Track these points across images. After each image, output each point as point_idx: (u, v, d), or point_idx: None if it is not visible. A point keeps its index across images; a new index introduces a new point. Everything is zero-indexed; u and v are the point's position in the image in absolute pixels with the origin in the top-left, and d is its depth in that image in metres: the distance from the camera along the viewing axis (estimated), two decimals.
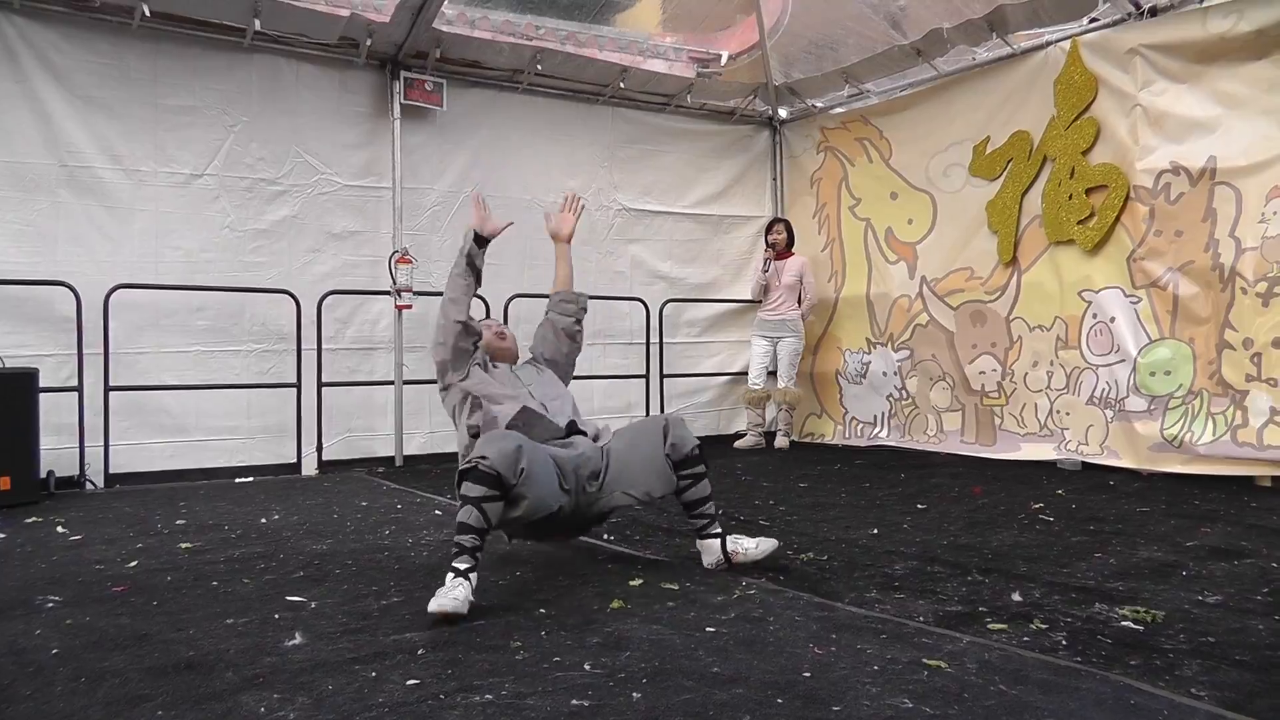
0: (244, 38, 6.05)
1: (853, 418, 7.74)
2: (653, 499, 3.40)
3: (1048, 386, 6.23)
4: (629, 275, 7.73)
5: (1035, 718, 1.95)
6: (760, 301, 7.71)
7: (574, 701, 2.06)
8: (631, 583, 3.15)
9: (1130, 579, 3.15)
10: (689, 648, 2.43)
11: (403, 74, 6.54)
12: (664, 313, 7.77)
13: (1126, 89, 5.72)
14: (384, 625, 2.68)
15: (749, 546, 3.35)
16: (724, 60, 8.18)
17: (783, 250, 7.63)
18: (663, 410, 7.70)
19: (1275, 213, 5.03)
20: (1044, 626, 2.63)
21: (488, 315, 6.75)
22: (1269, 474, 5.00)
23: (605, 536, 3.97)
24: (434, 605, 2.69)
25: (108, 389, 5.61)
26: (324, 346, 6.29)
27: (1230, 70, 5.28)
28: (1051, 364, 6.21)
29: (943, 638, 2.51)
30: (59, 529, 4.27)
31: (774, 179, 8.45)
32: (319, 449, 6.29)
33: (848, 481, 5.65)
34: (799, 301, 7.62)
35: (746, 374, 7.84)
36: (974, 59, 6.74)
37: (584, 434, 3.51)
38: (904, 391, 7.29)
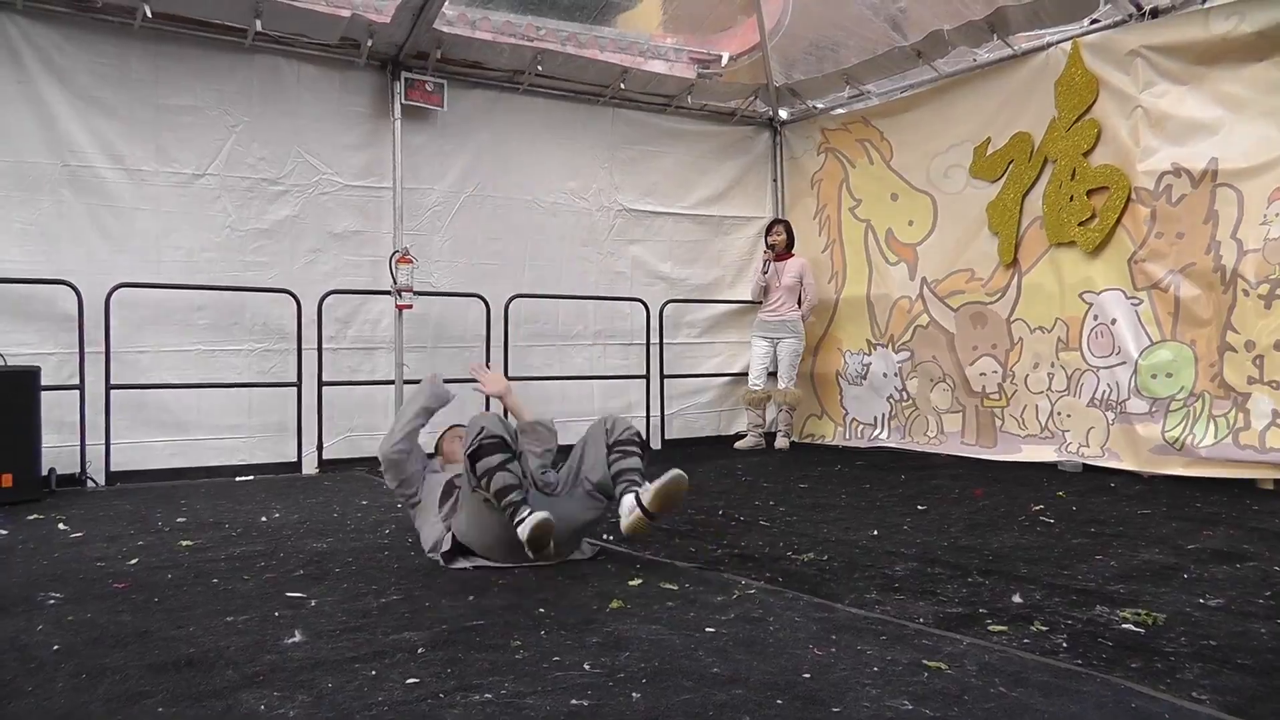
0: (245, 38, 6.06)
1: (853, 419, 7.74)
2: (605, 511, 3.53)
3: (1048, 388, 6.23)
4: (629, 276, 7.73)
5: None
6: (760, 303, 7.71)
7: (573, 701, 2.06)
8: (631, 583, 3.14)
9: (1131, 581, 3.15)
10: (689, 648, 2.43)
11: (403, 75, 6.55)
12: (664, 313, 7.77)
13: (1128, 90, 5.72)
14: (384, 624, 2.67)
15: (651, 485, 3.29)
16: (725, 61, 8.19)
17: (782, 251, 7.63)
18: (662, 411, 7.71)
19: (1277, 214, 5.03)
20: (1044, 629, 2.63)
21: (487, 330, 6.79)
22: (1271, 477, 4.99)
23: (605, 537, 3.97)
24: (525, 529, 3.07)
25: (109, 387, 5.61)
26: (325, 346, 6.30)
27: (1232, 72, 5.27)
28: (1052, 366, 6.21)
29: (943, 639, 2.50)
30: (60, 526, 4.27)
31: (774, 180, 8.45)
32: (319, 448, 6.29)
33: (848, 483, 5.64)
34: (799, 302, 7.63)
35: (747, 375, 7.84)
36: (975, 60, 6.74)
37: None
38: (904, 393, 7.29)
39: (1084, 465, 5.87)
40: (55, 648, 2.48)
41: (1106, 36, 5.88)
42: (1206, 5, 5.34)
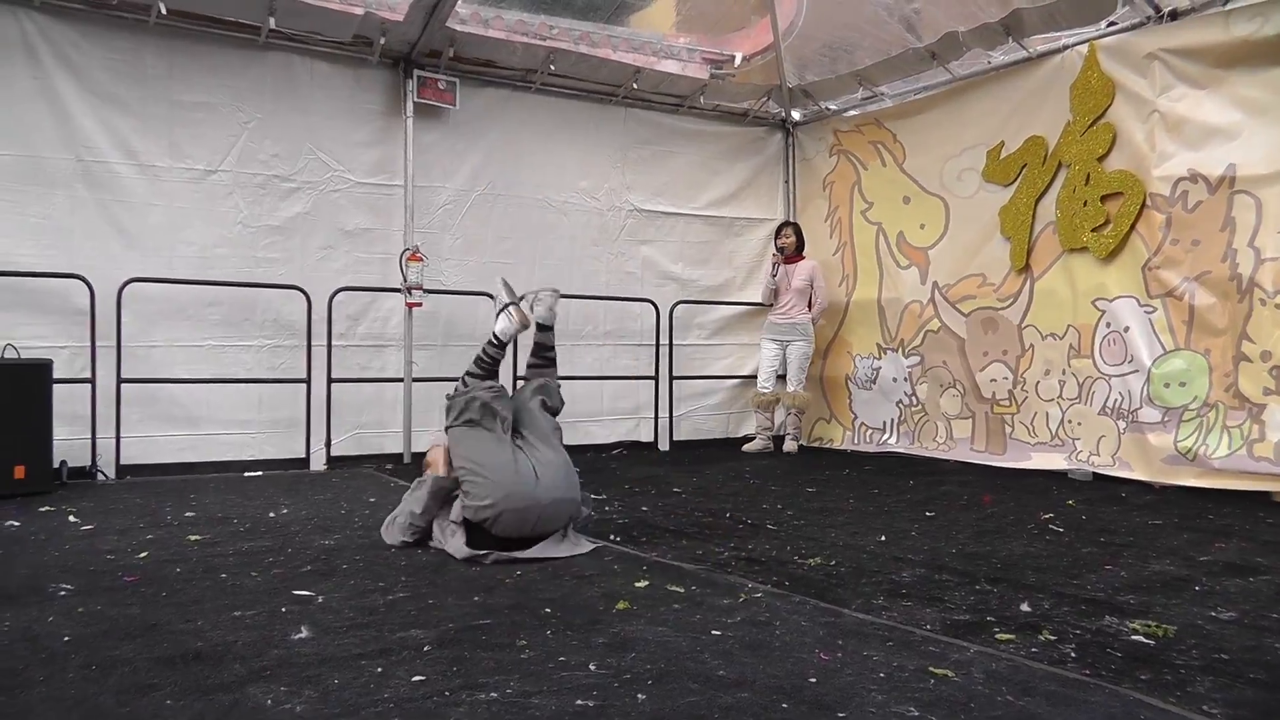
0: (259, 36, 6.07)
1: (862, 423, 7.72)
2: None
3: (1059, 395, 6.20)
4: (640, 276, 7.73)
5: None
6: (770, 305, 7.70)
7: (579, 702, 2.06)
8: (637, 584, 3.14)
9: (1142, 592, 3.13)
10: (694, 650, 2.42)
11: (416, 73, 6.55)
12: (674, 315, 7.76)
13: (1144, 94, 5.68)
14: (390, 621, 2.68)
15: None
16: (738, 62, 8.17)
17: (793, 254, 7.62)
18: (671, 413, 7.71)
19: None
20: (1053, 638, 2.62)
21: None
22: None
23: (611, 538, 3.97)
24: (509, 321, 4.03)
25: (120, 381, 5.63)
26: (334, 343, 6.31)
27: (1252, 75, 5.21)
28: (1064, 373, 6.18)
29: (950, 646, 2.49)
30: (71, 519, 4.29)
31: (786, 181, 8.44)
32: (328, 444, 6.30)
33: (856, 487, 5.63)
34: (809, 305, 7.61)
35: (756, 377, 7.83)
36: (989, 62, 6.71)
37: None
38: (914, 398, 7.27)
39: (1094, 474, 5.84)
40: (66, 638, 2.49)
41: (1124, 39, 5.84)
42: (1227, 7, 5.28)
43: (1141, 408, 5.63)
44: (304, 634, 2.55)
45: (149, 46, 5.86)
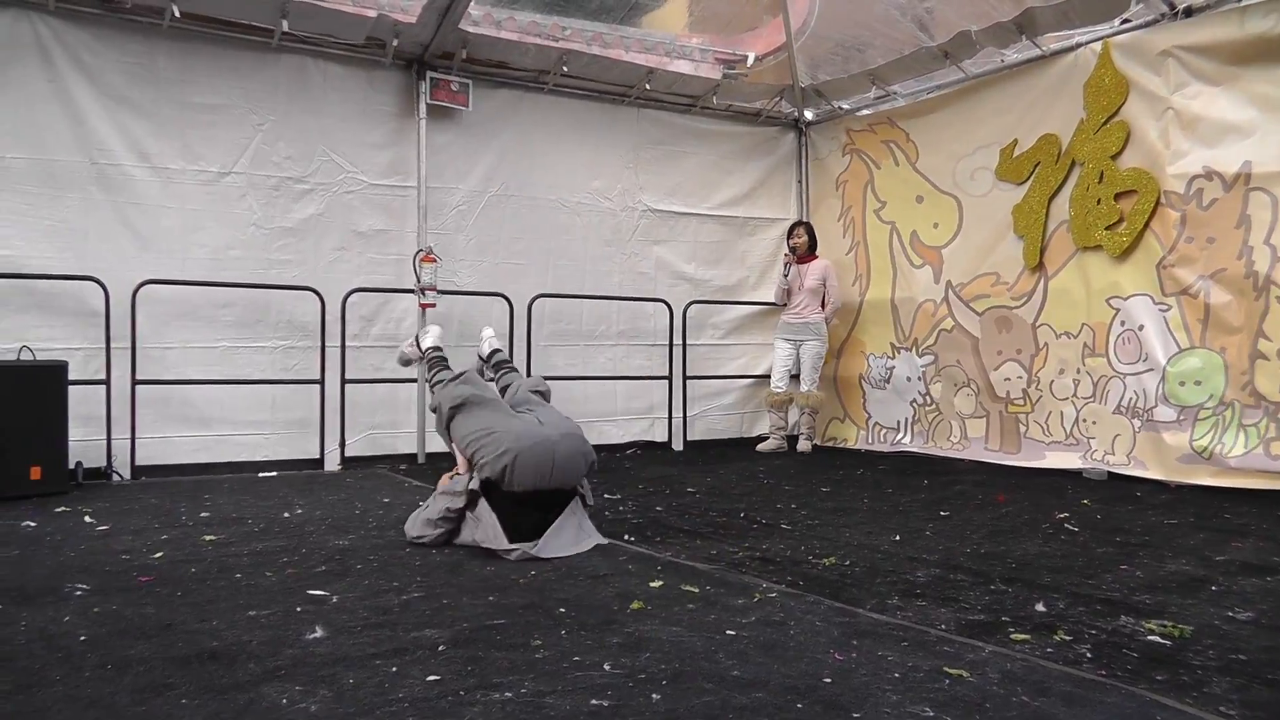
0: (272, 38, 6.09)
1: (876, 422, 7.71)
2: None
3: (1074, 394, 6.18)
4: (653, 276, 7.73)
5: None
6: (783, 305, 7.69)
7: (593, 701, 2.06)
8: (652, 584, 3.14)
9: (1157, 592, 3.11)
10: (709, 650, 2.42)
11: (429, 74, 6.57)
12: (688, 315, 7.76)
13: (1159, 92, 5.65)
14: (405, 621, 2.68)
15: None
16: (750, 61, 8.16)
17: (805, 253, 7.61)
18: (684, 413, 7.71)
19: None
20: (1068, 638, 2.60)
21: (510, 330, 6.81)
22: None
23: (625, 537, 3.97)
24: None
25: (135, 382, 5.67)
26: (348, 344, 6.33)
27: (1268, 72, 5.18)
28: (1078, 372, 6.16)
29: (965, 646, 2.48)
30: (87, 519, 4.32)
31: (799, 181, 8.43)
32: (342, 445, 6.32)
33: (870, 487, 5.62)
34: (822, 305, 7.60)
35: (769, 377, 7.82)
36: (1002, 61, 6.69)
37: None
38: (928, 397, 7.25)
39: (1109, 473, 5.81)
40: (82, 638, 2.51)
41: (1138, 37, 5.81)
42: (1243, 3, 5.24)
43: (1157, 406, 5.60)
44: (318, 634, 2.56)
45: (162, 49, 5.89)
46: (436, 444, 6.68)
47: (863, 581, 3.27)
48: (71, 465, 5.27)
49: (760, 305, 8.16)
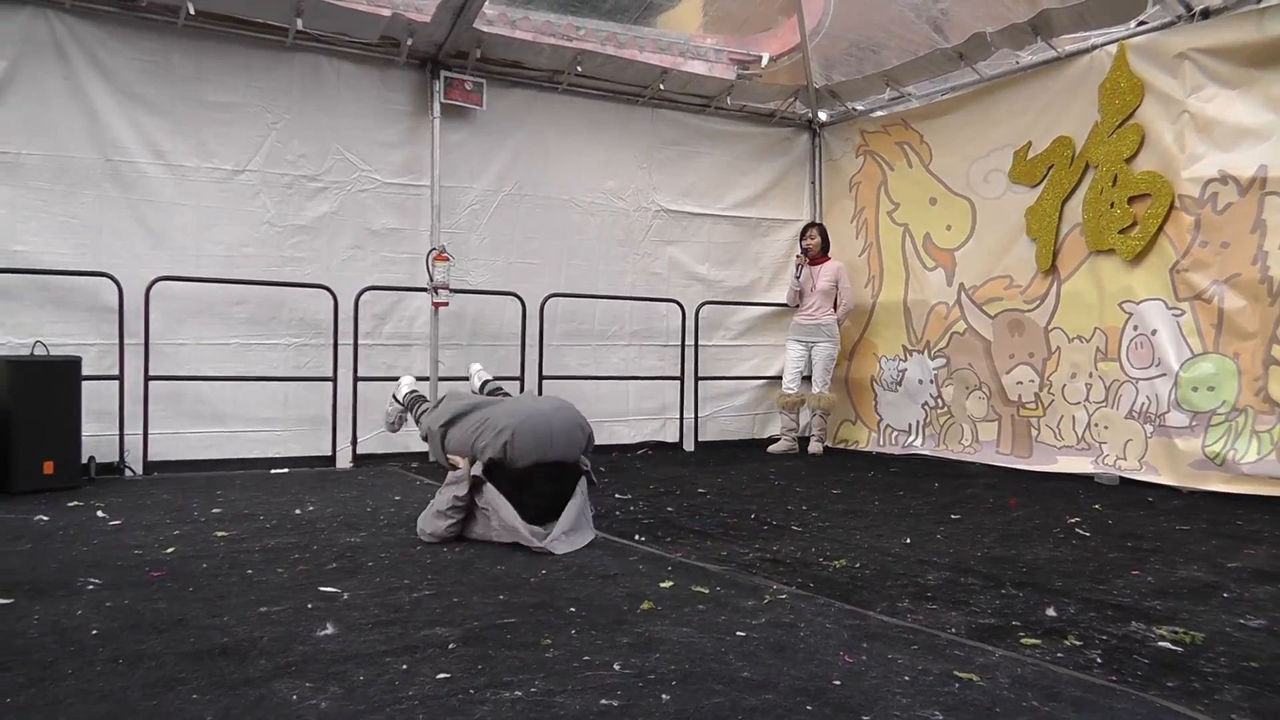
0: (286, 37, 6.11)
1: (887, 425, 7.69)
2: None
3: (1086, 399, 6.15)
4: (666, 277, 7.73)
5: None
6: (796, 306, 7.69)
7: (603, 701, 2.06)
8: (662, 584, 3.14)
9: (1169, 598, 3.10)
10: (719, 651, 2.42)
11: (443, 73, 6.58)
12: (700, 315, 7.76)
13: (1174, 94, 5.62)
14: (415, 619, 2.69)
15: None
16: (764, 62, 8.16)
17: (818, 255, 7.60)
18: (696, 414, 7.71)
19: None
20: (1079, 643, 2.60)
21: (523, 329, 6.82)
22: None
23: (636, 538, 3.97)
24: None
25: (148, 378, 5.69)
26: (361, 342, 6.35)
27: None
28: (1090, 376, 6.13)
29: (975, 650, 2.48)
30: (99, 514, 4.34)
31: (813, 182, 8.41)
32: (354, 442, 6.34)
33: (881, 489, 5.61)
34: (834, 306, 7.59)
35: (781, 378, 7.81)
36: (1017, 62, 6.66)
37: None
38: (939, 400, 7.23)
39: (1121, 478, 5.78)
40: (94, 632, 2.52)
41: (1154, 38, 5.78)
42: (1261, 5, 5.21)
43: (1169, 412, 5.57)
44: (329, 630, 2.56)
45: (177, 47, 5.91)
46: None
47: (873, 584, 3.27)
48: (85, 460, 5.30)
49: (773, 306, 8.16)
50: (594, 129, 7.40)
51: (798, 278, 7.59)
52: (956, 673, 2.27)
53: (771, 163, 8.22)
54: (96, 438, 5.51)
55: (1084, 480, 5.90)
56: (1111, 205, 5.96)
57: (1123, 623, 2.80)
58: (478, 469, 3.70)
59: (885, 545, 3.94)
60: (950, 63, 6.94)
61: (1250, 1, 5.28)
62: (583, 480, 3.91)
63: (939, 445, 7.21)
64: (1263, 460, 5.08)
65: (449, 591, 3.00)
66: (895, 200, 7.68)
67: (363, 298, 6.35)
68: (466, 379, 6.01)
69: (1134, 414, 5.82)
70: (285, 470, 6.04)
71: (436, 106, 6.62)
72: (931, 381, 7.29)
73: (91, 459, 5.42)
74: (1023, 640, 2.61)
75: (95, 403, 5.47)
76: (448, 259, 6.50)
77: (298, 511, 4.51)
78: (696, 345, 7.75)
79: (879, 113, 7.84)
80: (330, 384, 6.25)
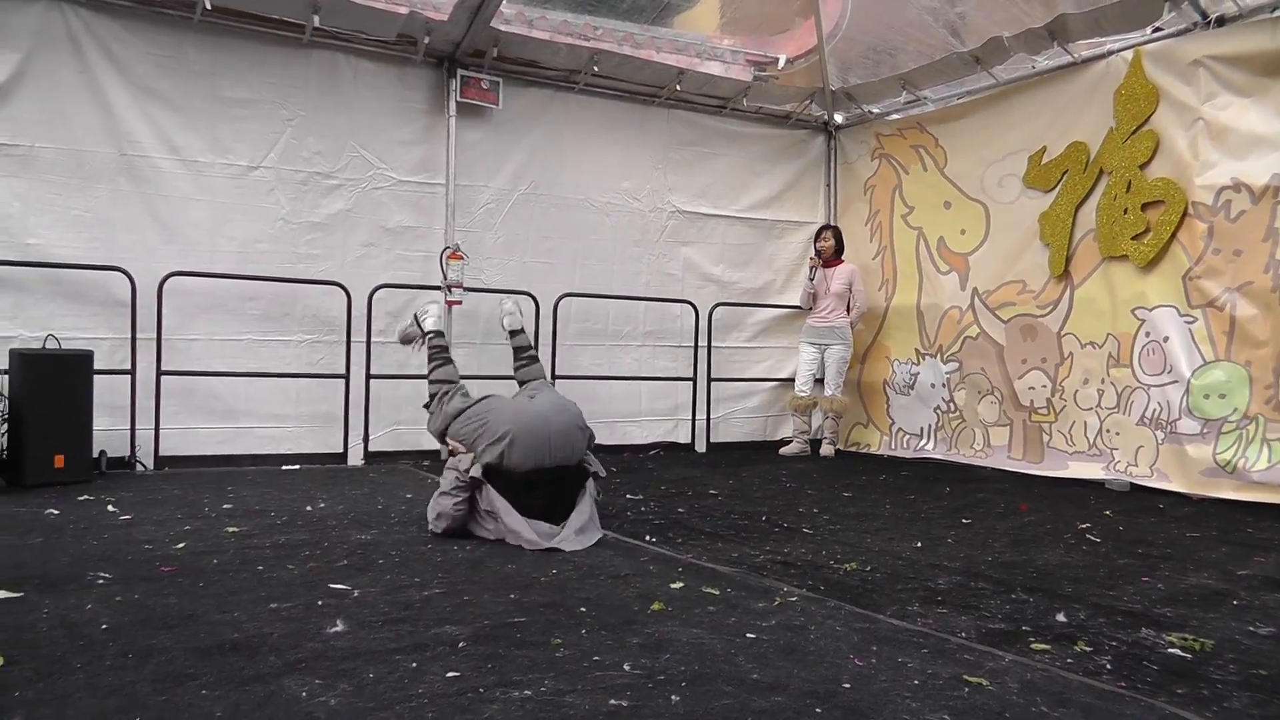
0: (303, 34, 6.13)
1: (899, 428, 7.68)
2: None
3: (1098, 405, 6.13)
4: (681, 278, 7.73)
5: None
6: (809, 309, 7.68)
7: (613, 701, 2.06)
8: (673, 585, 3.14)
9: (1179, 605, 3.09)
10: (729, 653, 2.42)
11: (460, 72, 6.59)
12: (714, 317, 7.76)
13: (1189, 101, 5.60)
14: (425, 617, 2.70)
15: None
16: (781, 64, 8.15)
17: (831, 257, 7.59)
18: (709, 415, 7.70)
19: None
20: (1088, 649, 2.59)
21: (536, 328, 6.81)
22: None
23: (647, 538, 3.98)
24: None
25: (159, 373, 5.71)
26: (374, 339, 6.36)
27: None
28: (1102, 382, 6.11)
29: (985, 655, 2.48)
30: (110, 508, 4.35)
31: (828, 185, 8.40)
32: (366, 440, 6.35)
33: (892, 493, 5.60)
34: (848, 309, 7.58)
35: (794, 381, 7.81)
36: (1033, 67, 6.65)
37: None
38: (952, 404, 7.22)
39: (1132, 484, 5.77)
40: (104, 626, 2.53)
41: (1169, 45, 5.76)
42: (1275, 14, 5.20)
43: (1180, 419, 5.55)
44: (339, 627, 2.57)
45: (192, 42, 5.93)
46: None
47: (883, 587, 3.26)
48: (95, 454, 5.31)
49: (786, 308, 8.15)
50: (610, 129, 7.40)
51: (812, 280, 7.58)
52: (966, 677, 2.27)
53: (787, 165, 8.21)
54: (108, 432, 5.53)
55: (1095, 486, 5.89)
56: (1125, 211, 5.94)
57: (1132, 629, 2.79)
58: (477, 470, 3.71)
59: (896, 549, 3.93)
60: (966, 67, 6.92)
61: (1265, 10, 5.27)
62: (590, 481, 3.92)
63: (951, 449, 7.20)
64: (1273, 468, 5.06)
65: (459, 590, 3.01)
66: (910, 204, 7.66)
67: (376, 295, 6.36)
68: (481, 377, 6.02)
69: (1145, 420, 5.80)
70: (296, 467, 6.06)
71: (453, 105, 6.63)
72: (944, 385, 7.28)
73: (103, 453, 5.45)
74: (1032, 645, 2.61)
75: (107, 397, 5.49)
76: (462, 257, 6.51)
77: (309, 508, 4.53)
78: (710, 346, 7.75)
79: (894, 116, 7.83)
80: (343, 381, 6.26)
